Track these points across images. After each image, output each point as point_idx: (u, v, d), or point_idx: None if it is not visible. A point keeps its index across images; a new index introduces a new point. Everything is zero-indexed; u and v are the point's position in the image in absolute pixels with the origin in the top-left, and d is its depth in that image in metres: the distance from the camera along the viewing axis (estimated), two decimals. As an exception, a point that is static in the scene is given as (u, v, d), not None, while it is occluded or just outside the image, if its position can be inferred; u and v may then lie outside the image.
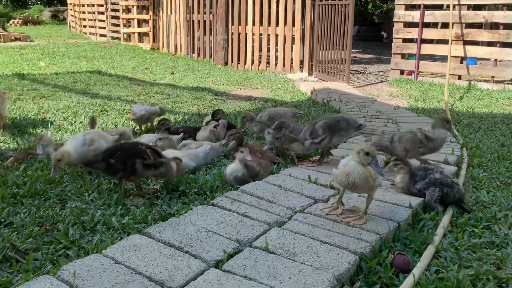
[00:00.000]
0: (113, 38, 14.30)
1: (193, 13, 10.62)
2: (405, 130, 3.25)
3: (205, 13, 10.30)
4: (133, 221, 2.32)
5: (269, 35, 9.20)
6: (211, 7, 10.05)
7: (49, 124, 4.50)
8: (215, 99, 6.28)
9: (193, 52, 10.86)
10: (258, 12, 9.21)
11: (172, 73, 8.61)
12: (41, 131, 4.22)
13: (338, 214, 2.31)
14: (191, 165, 3.16)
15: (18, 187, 2.74)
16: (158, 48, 12.18)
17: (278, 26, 9.01)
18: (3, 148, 3.60)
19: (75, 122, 4.64)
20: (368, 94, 6.93)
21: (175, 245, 2.00)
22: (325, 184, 2.78)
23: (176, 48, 11.45)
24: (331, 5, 7.75)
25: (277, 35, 9.10)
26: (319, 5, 8.22)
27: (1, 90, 4.39)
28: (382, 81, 8.43)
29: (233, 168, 2.85)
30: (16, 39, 13.52)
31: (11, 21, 20.04)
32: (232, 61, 9.79)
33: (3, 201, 2.54)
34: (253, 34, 9.39)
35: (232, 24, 9.65)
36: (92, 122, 3.81)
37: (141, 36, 12.80)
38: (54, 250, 2.06)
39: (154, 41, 12.24)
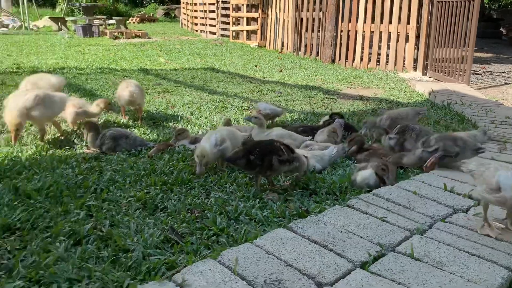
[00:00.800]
0: (222, 35, 14.96)
1: (302, 10, 10.73)
2: None
3: (314, 11, 10.35)
4: (272, 215, 2.47)
5: (381, 32, 8.96)
6: (320, 4, 10.07)
7: (179, 118, 4.90)
8: (326, 97, 6.31)
9: (299, 50, 10.97)
10: (370, 9, 9.01)
11: (281, 71, 8.79)
12: (173, 124, 4.62)
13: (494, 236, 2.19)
14: (317, 167, 3.25)
15: (166, 175, 3.06)
16: (265, 46, 12.49)
17: (391, 24, 8.74)
18: (144, 138, 4.01)
19: (200, 117, 4.98)
20: (492, 97, 6.45)
21: (319, 242, 2.10)
22: (463, 194, 2.68)
23: (282, 45, 11.66)
24: (452, 1, 7.32)
25: (389, 33, 8.83)
26: (438, 1, 7.81)
27: (139, 85, 4.88)
28: (506, 83, 7.78)
29: (364, 175, 2.88)
30: (136, 36, 14.77)
31: (129, 19, 21.91)
32: (339, 59, 9.72)
33: (155, 187, 2.85)
34: (364, 32, 9.22)
35: (342, 21, 9.57)
36: (227, 124, 4.08)
37: (249, 34, 13.21)
38: (207, 236, 2.28)
39: (261, 39, 12.57)
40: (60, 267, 1.96)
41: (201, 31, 16.45)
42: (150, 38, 14.73)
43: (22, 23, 17.66)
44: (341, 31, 9.61)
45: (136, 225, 2.35)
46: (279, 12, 11.63)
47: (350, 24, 9.41)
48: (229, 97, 6.16)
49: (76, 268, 1.96)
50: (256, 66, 9.41)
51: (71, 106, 4.11)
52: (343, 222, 2.29)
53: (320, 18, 10.11)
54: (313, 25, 10.43)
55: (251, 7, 12.85)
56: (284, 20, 11.46)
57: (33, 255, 2.05)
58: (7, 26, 17.80)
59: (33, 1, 18.85)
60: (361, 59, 9.31)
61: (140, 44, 12.71)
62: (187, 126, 4.59)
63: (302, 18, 10.76)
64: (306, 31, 10.71)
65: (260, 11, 12.40)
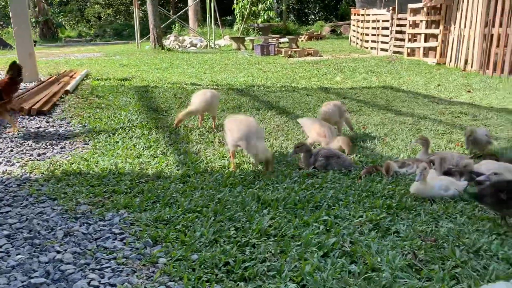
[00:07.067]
0: (394, 52, 14.65)
1: (492, 26, 9.89)
2: None
3: (508, 26, 9.44)
4: (517, 254, 2.37)
5: None
6: (518, 19, 9.15)
7: (374, 139, 4.98)
8: (535, 124, 5.70)
9: (487, 68, 10.11)
10: None
11: (469, 91, 8.23)
12: (370, 146, 4.72)
13: None
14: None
15: (388, 199, 3.17)
16: (445, 63, 11.83)
17: None
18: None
19: (396, 139, 4.98)
20: None
21: None
22: None
23: (466, 63, 10.90)
24: None
25: None
26: None
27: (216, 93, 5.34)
28: None
29: None
30: (308, 54, 15.40)
31: (298, 37, 22.96)
32: (539, 80, 8.67)
33: (381, 210, 2.98)
34: None
35: (546, 37, 8.53)
36: (425, 143, 4.07)
37: (426, 50, 12.68)
38: (450, 267, 2.29)
39: (440, 56, 11.94)
40: (319, 275, 2.20)
41: (371, 48, 16.35)
42: (321, 56, 15.22)
43: (208, 42, 19.97)
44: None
45: (376, 246, 2.49)
46: (464, 28, 10.91)
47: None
48: (420, 119, 6.01)
49: (335, 279, 2.18)
50: (439, 85, 8.99)
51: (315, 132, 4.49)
52: None
53: (516, 34, 9.19)
54: (506, 42, 9.51)
55: (431, 23, 12.32)
56: (469, 36, 10.71)
57: (293, 261, 2.35)
58: (195, 45, 20.34)
59: (219, 23, 21.17)
60: None
61: (314, 62, 13.24)
62: (383, 148, 4.65)
63: (492, 34, 9.91)
64: (497, 46, 9.82)
65: (441, 27, 11.80)
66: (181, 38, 21.35)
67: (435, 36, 12.19)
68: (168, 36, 22.28)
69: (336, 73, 11.08)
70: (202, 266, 2.29)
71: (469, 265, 2.29)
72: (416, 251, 2.43)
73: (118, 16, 38.05)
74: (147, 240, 2.49)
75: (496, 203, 2.63)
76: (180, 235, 2.56)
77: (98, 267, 2.21)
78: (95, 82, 8.58)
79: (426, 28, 12.47)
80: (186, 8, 23.73)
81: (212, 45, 19.49)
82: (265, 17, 23.17)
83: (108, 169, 3.68)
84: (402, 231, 2.67)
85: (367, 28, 16.70)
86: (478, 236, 2.57)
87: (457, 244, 2.49)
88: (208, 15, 20.01)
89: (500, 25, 9.72)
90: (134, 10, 18.35)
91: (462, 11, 11.02)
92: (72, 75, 9.07)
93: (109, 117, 5.65)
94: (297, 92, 8.34)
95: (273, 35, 19.97)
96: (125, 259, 2.31)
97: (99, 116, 5.70)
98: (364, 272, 2.23)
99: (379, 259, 2.35)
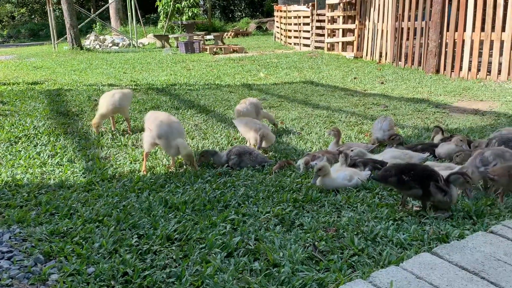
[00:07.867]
0: (316, 47, 15.06)
1: (402, 20, 10.48)
2: None
3: (416, 20, 10.06)
4: (409, 238, 2.50)
5: (492, 41, 8.44)
6: (423, 14, 9.76)
7: (290, 133, 5.07)
8: (437, 111, 6.10)
9: (399, 60, 10.70)
10: (479, 18, 8.54)
11: (382, 83, 8.66)
12: (286, 140, 4.79)
13: None
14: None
15: (295, 192, 3.21)
16: (361, 57, 12.35)
17: (504, 32, 8.19)
18: (265, 156, 4.22)
19: (311, 132, 5.10)
20: None
21: (469, 269, 2.09)
22: None
23: (380, 56, 11.46)
24: None
25: (502, 41, 8.28)
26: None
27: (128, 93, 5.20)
28: None
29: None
30: (234, 51, 15.41)
31: (224, 34, 22.91)
32: (444, 69, 9.31)
33: (288, 204, 3.02)
34: (472, 41, 8.75)
35: (448, 30, 9.18)
36: (337, 134, 4.22)
37: (344, 45, 13.17)
38: (348, 256, 2.37)
39: (357, 50, 12.44)
40: (220, 277, 2.18)
41: (294, 43, 16.70)
42: (247, 52, 15.29)
43: (130, 41, 19.31)
44: (446, 40, 9.22)
45: (279, 241, 2.51)
46: (377, 22, 11.46)
47: (456, 33, 8.99)
48: (335, 111, 6.21)
49: (236, 279, 2.16)
50: (355, 78, 9.36)
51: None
52: (490, 250, 2.25)
53: (422, 28, 9.80)
54: (414, 35, 10.13)
55: (347, 18, 12.81)
56: (382, 30, 11.27)
57: (195, 264, 2.30)
58: (117, 44, 19.59)
59: (140, 21, 20.52)
60: (469, 69, 8.83)
61: (239, 59, 13.25)
62: (299, 141, 4.74)
63: (402, 28, 10.51)
64: (407, 39, 10.43)
65: (357, 22, 12.30)
66: (101, 37, 20.45)
67: (352, 31, 12.70)
68: (88, 35, 21.25)
69: (260, 69, 11.17)
70: (98, 279, 2.17)
71: (365, 253, 2.38)
72: (316, 243, 2.48)
73: (33, 16, 35.68)
74: (37, 257, 2.32)
75: (398, 183, 2.77)
76: (76, 248, 2.41)
77: (-23, 292, 2.02)
78: (1, 87, 7.95)
79: (343, 23, 12.94)
80: (106, 6, 22.78)
81: (135, 44, 18.87)
82: (190, 14, 22.85)
83: (3, 182, 3.40)
84: (306, 224, 2.72)
85: (290, 24, 17.02)
86: (376, 223, 2.68)
87: (356, 233, 2.58)
88: (129, 13, 19.34)
89: (409, 19, 10.33)
90: (48, 9, 17.25)
91: (375, 6, 11.57)
92: (-25, 80, 8.34)
93: (13, 125, 5.25)
94: (220, 90, 8.30)
95: (198, 32, 19.72)
96: (10, 280, 2.13)
97: (1, 124, 5.27)
98: (265, 269, 2.24)
99: (281, 254, 2.37)
